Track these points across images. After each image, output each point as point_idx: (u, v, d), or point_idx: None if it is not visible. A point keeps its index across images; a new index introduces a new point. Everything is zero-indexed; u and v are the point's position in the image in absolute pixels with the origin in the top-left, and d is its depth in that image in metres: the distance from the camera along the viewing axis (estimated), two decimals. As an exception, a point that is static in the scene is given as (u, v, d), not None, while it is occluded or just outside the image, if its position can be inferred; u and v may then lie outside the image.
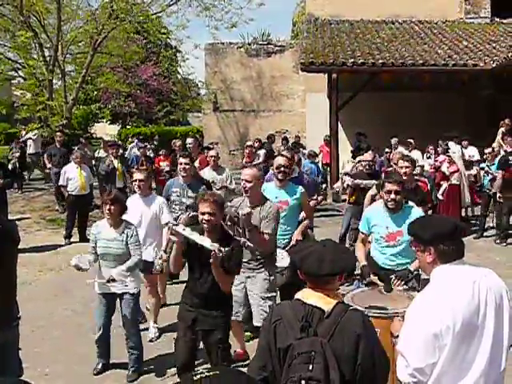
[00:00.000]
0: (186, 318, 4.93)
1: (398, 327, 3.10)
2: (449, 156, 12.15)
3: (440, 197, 11.57)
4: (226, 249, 4.51)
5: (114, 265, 5.68)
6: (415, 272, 5.09)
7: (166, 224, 6.37)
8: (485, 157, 11.95)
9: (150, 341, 6.70)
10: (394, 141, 14.74)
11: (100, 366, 5.95)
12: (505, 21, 20.67)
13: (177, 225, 4.81)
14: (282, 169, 6.46)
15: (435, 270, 2.92)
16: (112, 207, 5.64)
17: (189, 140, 11.27)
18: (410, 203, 5.80)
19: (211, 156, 9.08)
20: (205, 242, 4.49)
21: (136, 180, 6.87)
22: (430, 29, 20.05)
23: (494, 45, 17.46)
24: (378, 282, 5.08)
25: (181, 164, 7.67)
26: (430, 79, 16.00)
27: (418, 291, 5.31)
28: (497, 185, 11.28)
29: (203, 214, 4.72)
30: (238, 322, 5.90)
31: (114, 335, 6.06)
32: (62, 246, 11.34)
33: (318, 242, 3.07)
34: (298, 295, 2.91)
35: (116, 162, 12.84)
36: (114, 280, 5.58)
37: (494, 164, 11.67)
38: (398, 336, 3.00)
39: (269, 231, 5.53)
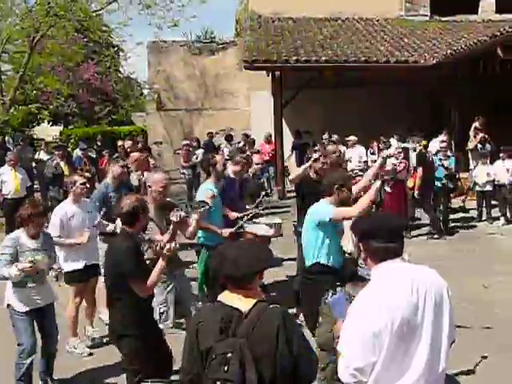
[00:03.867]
0: None
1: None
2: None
3: (388, 189, 11.52)
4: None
5: (39, 275, 5.40)
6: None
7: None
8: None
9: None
10: (325, 136, 14.81)
11: None
12: (443, 18, 21.16)
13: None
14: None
15: (374, 269, 2.91)
16: (44, 219, 5.53)
17: (127, 143, 11.32)
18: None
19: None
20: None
21: (83, 183, 6.52)
22: (371, 26, 20.28)
23: (433, 42, 17.80)
24: None
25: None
26: (373, 76, 16.14)
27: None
28: (417, 183, 11.44)
29: None
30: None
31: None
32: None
33: (232, 244, 3.14)
34: (220, 297, 2.92)
35: (62, 164, 12.58)
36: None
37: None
38: (339, 337, 2.95)
39: None
